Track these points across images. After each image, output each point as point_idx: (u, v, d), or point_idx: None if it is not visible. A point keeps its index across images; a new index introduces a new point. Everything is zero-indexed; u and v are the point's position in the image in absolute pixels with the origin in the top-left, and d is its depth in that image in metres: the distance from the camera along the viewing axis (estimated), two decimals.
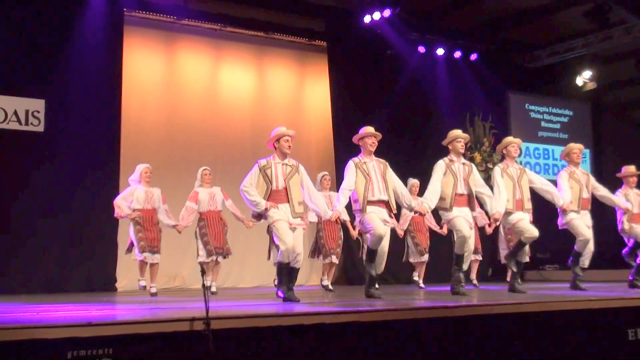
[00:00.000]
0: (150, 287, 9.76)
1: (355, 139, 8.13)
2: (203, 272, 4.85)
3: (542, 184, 9.19)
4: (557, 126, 17.21)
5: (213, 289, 10.07)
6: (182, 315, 4.87)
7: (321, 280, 10.84)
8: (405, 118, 14.53)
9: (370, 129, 8.06)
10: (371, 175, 7.88)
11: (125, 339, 4.45)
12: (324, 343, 5.13)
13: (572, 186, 9.43)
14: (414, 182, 11.12)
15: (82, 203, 11.29)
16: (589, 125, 17.78)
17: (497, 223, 9.55)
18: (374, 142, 8.04)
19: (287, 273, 7.46)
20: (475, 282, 11.65)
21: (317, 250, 10.61)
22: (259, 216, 7.55)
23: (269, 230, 7.60)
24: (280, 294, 7.49)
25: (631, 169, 10.39)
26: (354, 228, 10.25)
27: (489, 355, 5.85)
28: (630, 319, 6.72)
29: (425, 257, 11.37)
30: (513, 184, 8.88)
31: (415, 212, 8.57)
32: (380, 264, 7.96)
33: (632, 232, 10.04)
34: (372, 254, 7.83)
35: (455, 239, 8.55)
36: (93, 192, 11.31)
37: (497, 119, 15.21)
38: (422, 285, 11.38)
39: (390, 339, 5.44)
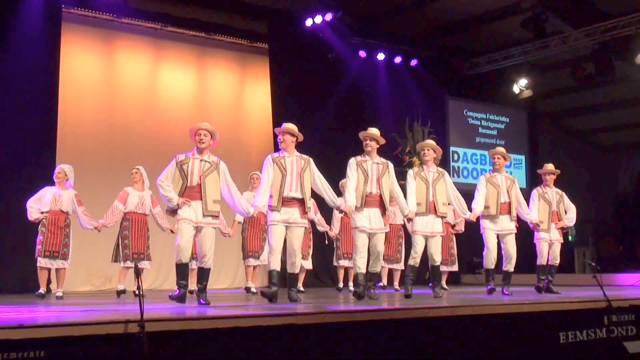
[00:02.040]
0: (56, 291, 9.44)
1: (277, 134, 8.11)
2: (138, 274, 4.79)
3: (451, 193, 9.15)
4: (494, 132, 17.52)
5: (121, 288, 9.91)
6: (116, 317, 4.80)
7: (247, 283, 10.75)
8: (345, 121, 14.59)
9: (285, 126, 7.98)
10: (287, 170, 7.75)
11: (58, 342, 4.37)
12: (260, 345, 5.12)
13: (489, 190, 9.51)
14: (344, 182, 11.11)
15: (16, 203, 11.04)
16: (525, 132, 18.16)
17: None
18: (281, 139, 7.95)
19: (182, 272, 7.35)
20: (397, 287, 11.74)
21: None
22: (174, 211, 7.38)
23: None
24: (176, 292, 7.34)
25: (549, 167, 10.51)
26: None
27: (424, 357, 5.91)
28: (562, 322, 6.86)
29: (346, 262, 11.34)
30: (426, 187, 8.84)
31: (341, 212, 8.48)
32: (293, 264, 7.86)
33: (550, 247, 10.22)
34: (270, 274, 7.78)
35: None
36: (27, 192, 11.03)
37: (436, 124, 15.40)
38: (345, 287, 11.36)
39: (327, 341, 5.46)
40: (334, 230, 11.24)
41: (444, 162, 14.77)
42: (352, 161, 8.41)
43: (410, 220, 8.88)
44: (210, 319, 5.16)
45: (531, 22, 14.09)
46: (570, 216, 10.41)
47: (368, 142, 8.44)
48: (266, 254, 10.38)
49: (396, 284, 11.78)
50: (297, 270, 7.95)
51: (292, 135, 7.96)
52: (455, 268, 12.06)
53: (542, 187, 10.37)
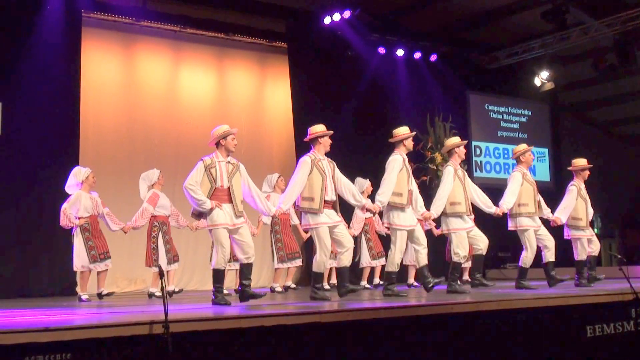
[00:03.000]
0: (102, 290, 9.57)
1: (310, 137, 7.99)
2: (162, 275, 4.80)
3: (476, 190, 9.16)
4: (516, 126, 17.40)
5: (176, 289, 10.02)
6: (141, 318, 4.82)
7: (274, 285, 10.79)
8: (366, 119, 14.56)
9: (326, 130, 8.00)
10: (326, 173, 7.79)
11: (84, 344, 4.40)
12: (285, 344, 5.12)
13: (526, 188, 9.35)
14: (364, 181, 11.12)
15: (41, 207, 11.15)
16: (548, 125, 18.02)
17: (429, 222, 9.61)
18: (325, 142, 7.97)
19: (222, 277, 7.42)
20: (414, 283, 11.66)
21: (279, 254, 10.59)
22: (200, 215, 7.38)
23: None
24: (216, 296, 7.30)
25: (582, 161, 10.32)
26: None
27: (449, 353, 5.89)
28: (588, 315, 6.81)
29: (378, 262, 11.23)
30: (463, 186, 8.82)
31: (367, 211, 8.37)
32: (346, 259, 7.89)
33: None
34: (319, 276, 7.81)
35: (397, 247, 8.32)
36: (52, 195, 11.13)
37: (457, 119, 15.32)
38: (368, 286, 11.29)
39: (353, 339, 5.45)
40: (354, 231, 11.10)
41: (466, 157, 14.70)
42: (399, 158, 8.32)
43: (427, 219, 8.89)
44: (235, 318, 5.17)
45: (551, 13, 13.96)
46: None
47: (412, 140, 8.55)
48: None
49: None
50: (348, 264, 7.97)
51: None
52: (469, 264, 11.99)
53: (577, 181, 10.16)
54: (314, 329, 5.26)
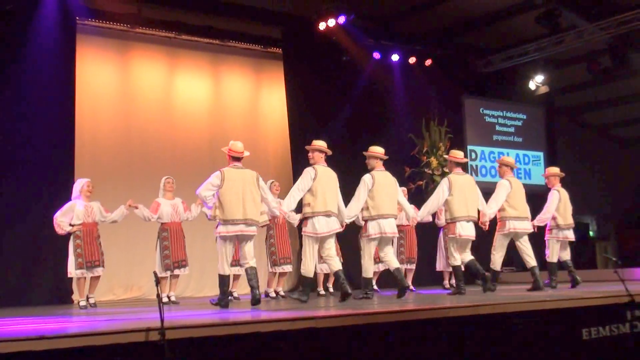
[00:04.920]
0: (89, 297, 9.67)
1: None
2: (157, 282, 4.80)
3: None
4: (512, 130, 17.43)
5: (173, 298, 10.03)
6: (137, 326, 4.82)
7: (268, 290, 10.84)
8: (362, 124, 14.54)
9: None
10: None
11: (80, 352, 4.39)
12: (280, 349, 5.12)
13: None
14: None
15: (36, 215, 11.10)
16: (543, 129, 18.06)
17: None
18: None
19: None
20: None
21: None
22: None
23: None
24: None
25: (555, 170, 10.82)
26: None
27: (446, 357, 5.89)
28: (584, 318, 6.82)
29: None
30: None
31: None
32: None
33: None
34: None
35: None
36: (47, 203, 11.11)
37: (453, 124, 15.31)
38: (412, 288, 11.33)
39: (348, 344, 5.45)
40: None
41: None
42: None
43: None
44: (231, 324, 5.17)
45: (545, 17, 14.01)
46: None
47: None
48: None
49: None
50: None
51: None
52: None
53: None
54: (309, 335, 5.27)
